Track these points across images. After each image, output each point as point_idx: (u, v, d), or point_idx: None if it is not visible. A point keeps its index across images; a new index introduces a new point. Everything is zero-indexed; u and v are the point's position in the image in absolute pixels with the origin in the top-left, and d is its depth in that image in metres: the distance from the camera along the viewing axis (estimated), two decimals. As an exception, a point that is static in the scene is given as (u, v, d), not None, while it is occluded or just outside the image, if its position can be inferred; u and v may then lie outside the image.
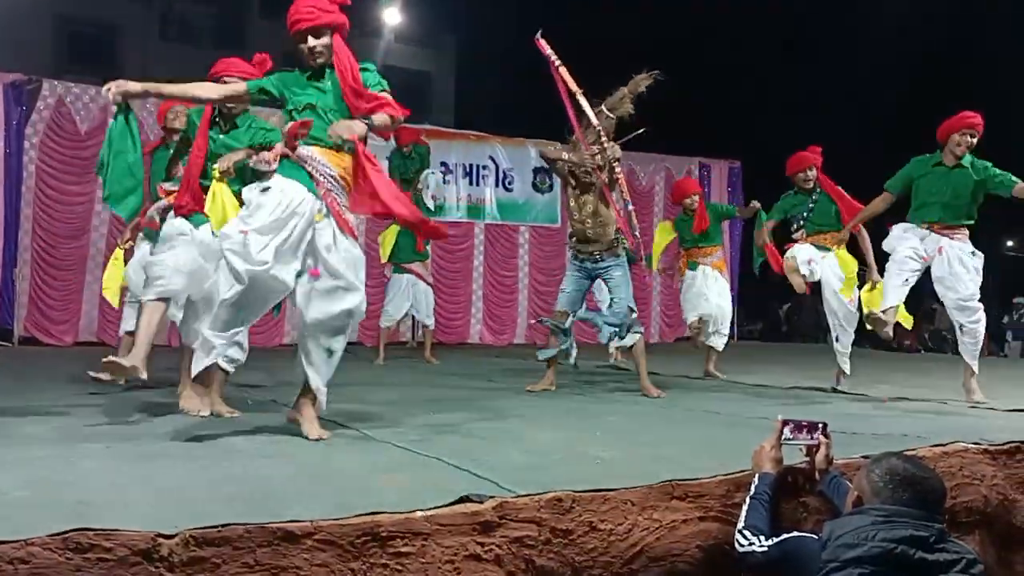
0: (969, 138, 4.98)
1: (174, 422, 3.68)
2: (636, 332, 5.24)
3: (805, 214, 5.89)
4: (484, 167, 11.42)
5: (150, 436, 3.33)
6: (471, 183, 11.31)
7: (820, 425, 2.83)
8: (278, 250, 3.24)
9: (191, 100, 3.71)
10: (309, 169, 3.32)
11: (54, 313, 9.32)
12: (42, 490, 2.31)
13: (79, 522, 1.88)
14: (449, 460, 2.87)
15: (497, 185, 11.44)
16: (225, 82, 3.91)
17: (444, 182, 10.85)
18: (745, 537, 2.45)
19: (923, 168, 5.14)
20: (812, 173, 5.90)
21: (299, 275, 3.37)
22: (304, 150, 3.34)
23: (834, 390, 5.72)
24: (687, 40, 19.22)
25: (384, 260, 8.03)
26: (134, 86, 3.42)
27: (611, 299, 5.41)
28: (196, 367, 3.40)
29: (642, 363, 5.35)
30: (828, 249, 5.72)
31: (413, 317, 8.77)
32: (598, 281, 5.60)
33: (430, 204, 8.31)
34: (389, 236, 7.87)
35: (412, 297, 8.02)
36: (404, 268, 7.94)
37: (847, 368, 5.76)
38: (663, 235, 7.27)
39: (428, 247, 8.28)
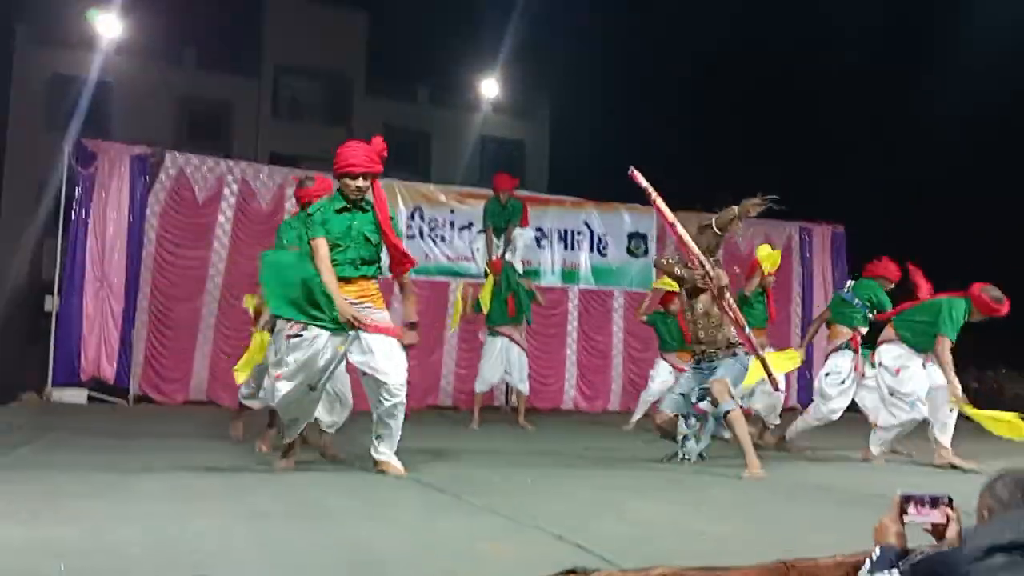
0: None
1: (282, 481, 3.75)
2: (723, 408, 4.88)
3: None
4: (579, 232, 11.46)
5: (259, 495, 3.40)
6: (566, 248, 11.35)
7: (945, 499, 2.62)
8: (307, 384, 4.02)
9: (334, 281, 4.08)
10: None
11: (167, 372, 9.72)
12: (160, 546, 2.37)
13: (195, 580, 1.92)
14: (551, 529, 2.81)
15: (592, 250, 11.44)
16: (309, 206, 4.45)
17: (539, 247, 10.95)
18: None
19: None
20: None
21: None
22: None
23: (952, 466, 5.39)
24: (783, 100, 19.06)
25: (484, 311, 8.13)
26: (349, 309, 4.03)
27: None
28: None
29: (741, 435, 4.86)
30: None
31: (506, 382, 8.78)
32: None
33: (519, 266, 8.38)
34: (485, 295, 7.96)
35: (506, 361, 8.02)
36: (498, 331, 7.99)
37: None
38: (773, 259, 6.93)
39: (527, 312, 8.29)
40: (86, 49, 17.70)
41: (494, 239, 8.28)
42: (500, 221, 8.34)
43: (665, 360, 8.10)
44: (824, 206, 13.06)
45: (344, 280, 4.05)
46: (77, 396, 9.25)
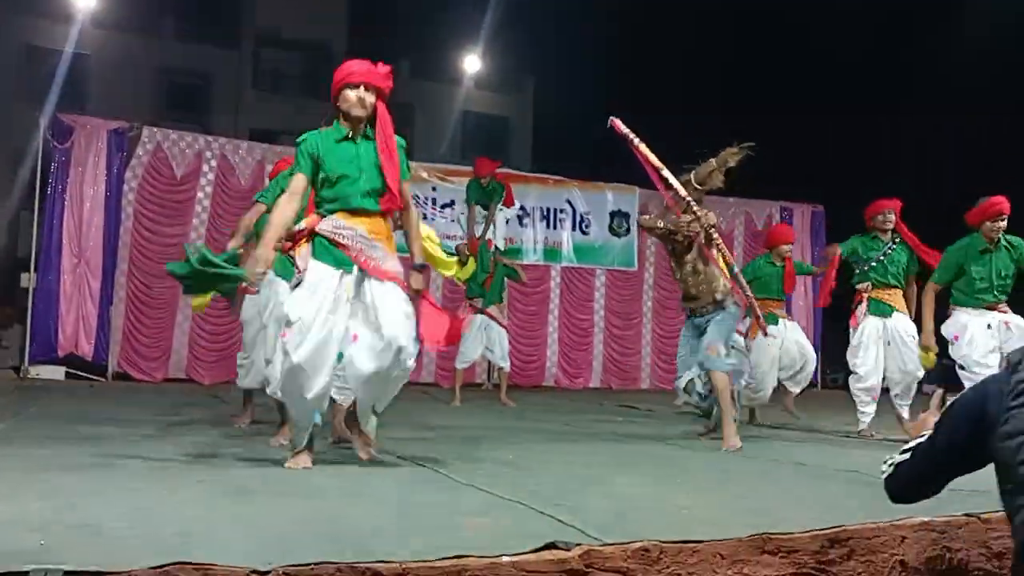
0: (1000, 223, 5.34)
1: (264, 458, 3.76)
2: (717, 368, 4.88)
3: (878, 259, 5.79)
4: (561, 210, 11.49)
5: (241, 471, 3.41)
6: (548, 226, 11.38)
7: None
8: (318, 343, 3.38)
9: (288, 225, 3.54)
10: (337, 239, 3.45)
11: (146, 350, 9.68)
12: (141, 523, 2.37)
13: (177, 555, 1.92)
14: (532, 504, 2.84)
15: (574, 228, 11.47)
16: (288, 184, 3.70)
17: (521, 225, 10.96)
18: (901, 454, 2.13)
19: (968, 254, 5.33)
20: (891, 216, 5.84)
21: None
22: (328, 221, 3.49)
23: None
24: (769, 81, 19.08)
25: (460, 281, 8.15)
26: (265, 257, 3.48)
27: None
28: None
29: (725, 404, 4.87)
30: (891, 309, 5.75)
31: (488, 359, 8.81)
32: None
33: (501, 244, 8.40)
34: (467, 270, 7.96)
35: (487, 339, 8.05)
36: (478, 309, 8.01)
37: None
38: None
39: (500, 292, 8.32)
40: (62, 20, 17.40)
41: (476, 217, 8.29)
42: (483, 198, 8.35)
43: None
44: (804, 186, 13.15)
45: (352, 211, 3.49)
46: (54, 372, 9.20)
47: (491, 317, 8.06)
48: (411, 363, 3.53)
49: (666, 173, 4.78)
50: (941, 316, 5.55)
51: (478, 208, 8.33)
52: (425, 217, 10.61)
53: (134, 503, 2.65)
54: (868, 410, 5.80)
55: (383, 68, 3.66)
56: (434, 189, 10.68)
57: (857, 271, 5.88)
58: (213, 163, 10.01)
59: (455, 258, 8.25)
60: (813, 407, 7.62)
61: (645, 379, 11.69)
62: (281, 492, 2.99)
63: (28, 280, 9.74)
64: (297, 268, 3.52)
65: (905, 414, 5.75)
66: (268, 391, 4.07)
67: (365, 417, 3.72)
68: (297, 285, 3.48)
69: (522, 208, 11.02)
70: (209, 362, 9.88)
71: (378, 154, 3.51)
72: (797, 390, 6.95)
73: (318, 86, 23.16)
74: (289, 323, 3.39)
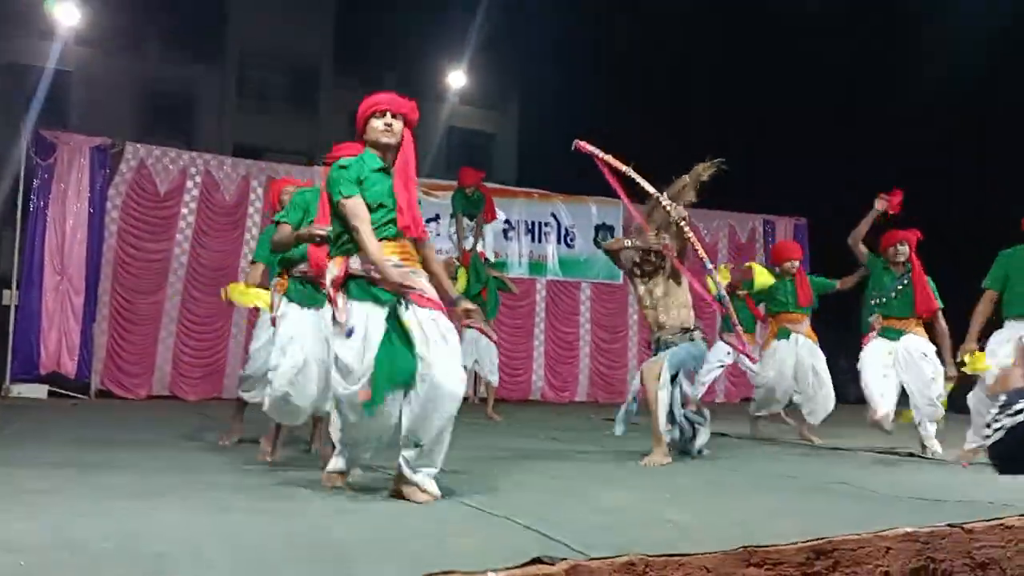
0: None
1: (248, 475, 3.73)
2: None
3: (889, 295, 5.60)
4: (546, 224, 11.53)
5: (226, 489, 3.38)
6: (533, 240, 11.40)
7: None
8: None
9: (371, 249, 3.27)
10: (372, 276, 3.27)
11: (130, 367, 9.60)
12: (123, 542, 2.35)
13: (160, 575, 1.91)
14: (517, 519, 2.83)
15: (559, 242, 11.51)
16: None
17: (507, 239, 10.99)
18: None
19: (1017, 261, 5.11)
20: (904, 248, 5.61)
21: None
22: (357, 259, 3.30)
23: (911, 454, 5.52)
24: (750, 94, 19.21)
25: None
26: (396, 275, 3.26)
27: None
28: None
29: (655, 420, 4.73)
30: (901, 332, 5.55)
31: (475, 373, 8.79)
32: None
33: (491, 256, 8.46)
34: (460, 282, 7.94)
35: (475, 352, 8.03)
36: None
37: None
38: (764, 278, 6.90)
39: (495, 306, 8.35)
40: (44, 38, 17.33)
41: (464, 228, 8.32)
42: (470, 210, 8.40)
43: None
44: (786, 200, 13.25)
45: (388, 239, 3.33)
46: (36, 391, 9.10)
47: (479, 330, 8.04)
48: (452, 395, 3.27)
49: (633, 173, 4.75)
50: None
51: (465, 219, 8.36)
52: (410, 232, 10.64)
53: (116, 523, 2.63)
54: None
55: (404, 99, 3.54)
56: (419, 204, 10.70)
57: (873, 302, 5.68)
58: (197, 179, 9.98)
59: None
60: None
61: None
62: (266, 510, 2.97)
63: (10, 297, 9.65)
64: (336, 316, 3.30)
65: (929, 442, 5.52)
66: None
67: (406, 442, 3.37)
68: (348, 334, 3.24)
69: (507, 222, 11.06)
70: (194, 379, 9.82)
71: (394, 179, 3.42)
72: (813, 421, 6.53)
73: (303, 102, 23.25)
74: (348, 374, 3.21)
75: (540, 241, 11.45)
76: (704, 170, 4.94)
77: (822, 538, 2.66)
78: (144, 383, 9.65)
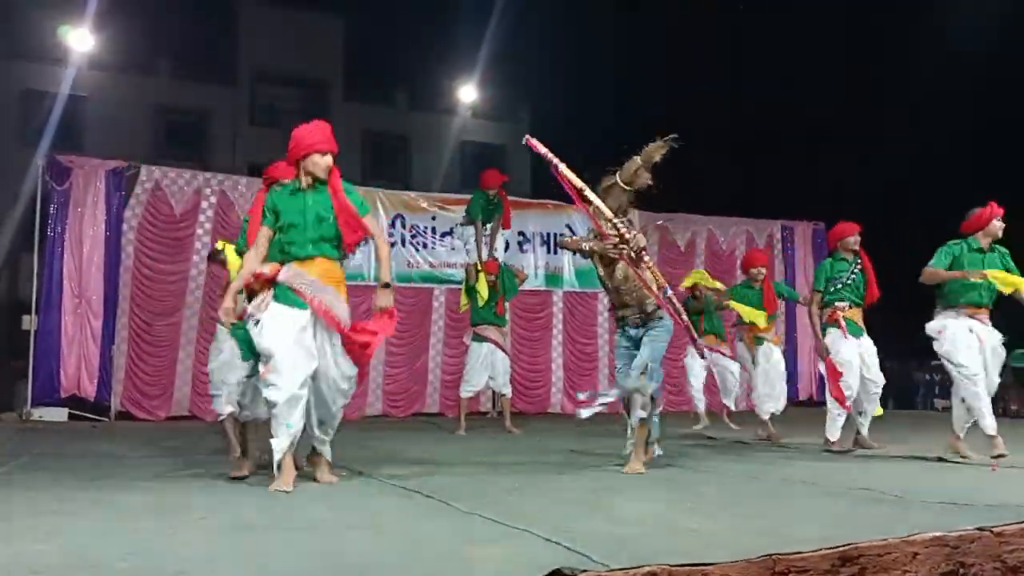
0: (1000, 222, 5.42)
1: (264, 493, 3.74)
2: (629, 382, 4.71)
3: (849, 280, 6.05)
4: (561, 235, 11.50)
5: (242, 507, 3.39)
6: (549, 251, 11.40)
7: None
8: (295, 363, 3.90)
9: (252, 272, 4.07)
10: (294, 285, 3.97)
11: (148, 388, 9.66)
12: (142, 561, 2.36)
13: (178, 593, 1.91)
14: (538, 532, 2.82)
15: (575, 253, 11.47)
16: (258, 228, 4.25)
17: (522, 251, 10.98)
18: None
19: (963, 251, 5.41)
20: (858, 238, 6.14)
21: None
22: (286, 271, 4.00)
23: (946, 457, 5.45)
24: (768, 98, 19.17)
25: (462, 310, 8.20)
26: (229, 303, 4.05)
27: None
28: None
29: (639, 435, 4.70)
30: (860, 330, 6.02)
31: (491, 387, 8.78)
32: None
33: (499, 255, 8.33)
34: (481, 287, 7.90)
35: (490, 368, 8.01)
36: (482, 336, 7.98)
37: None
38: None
39: (507, 315, 8.34)
40: (59, 63, 17.59)
41: (483, 234, 8.20)
42: (488, 216, 8.29)
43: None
44: (805, 204, 13.19)
45: (303, 259, 4.03)
46: (57, 414, 9.18)
47: (494, 343, 8.03)
48: (348, 396, 4.17)
49: (591, 196, 4.54)
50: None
51: (484, 224, 8.19)
52: (425, 247, 10.66)
53: (135, 543, 2.64)
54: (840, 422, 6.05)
55: (329, 128, 4.27)
56: (433, 219, 10.73)
57: (832, 289, 6.05)
58: (212, 199, 10.06)
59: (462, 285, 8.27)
60: (821, 425, 7.56)
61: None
62: (282, 526, 2.97)
63: (29, 322, 9.76)
64: (247, 304, 4.03)
65: (866, 432, 6.11)
66: (240, 416, 4.50)
67: (320, 442, 4.15)
68: (257, 323, 3.95)
69: (522, 234, 11.06)
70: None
71: (332, 204, 4.09)
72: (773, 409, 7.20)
73: (314, 119, 23.40)
74: (266, 360, 3.91)
75: (555, 252, 11.44)
76: (656, 150, 4.65)
77: (848, 544, 2.62)
78: (163, 404, 9.70)
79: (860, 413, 6.12)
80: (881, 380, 6.10)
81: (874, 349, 6.06)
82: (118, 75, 20.42)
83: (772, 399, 7.21)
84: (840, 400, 5.88)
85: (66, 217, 9.47)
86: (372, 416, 10.02)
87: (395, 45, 24.07)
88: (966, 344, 5.28)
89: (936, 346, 5.42)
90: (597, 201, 4.54)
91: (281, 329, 3.91)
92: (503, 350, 8.10)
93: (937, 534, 2.76)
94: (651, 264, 4.68)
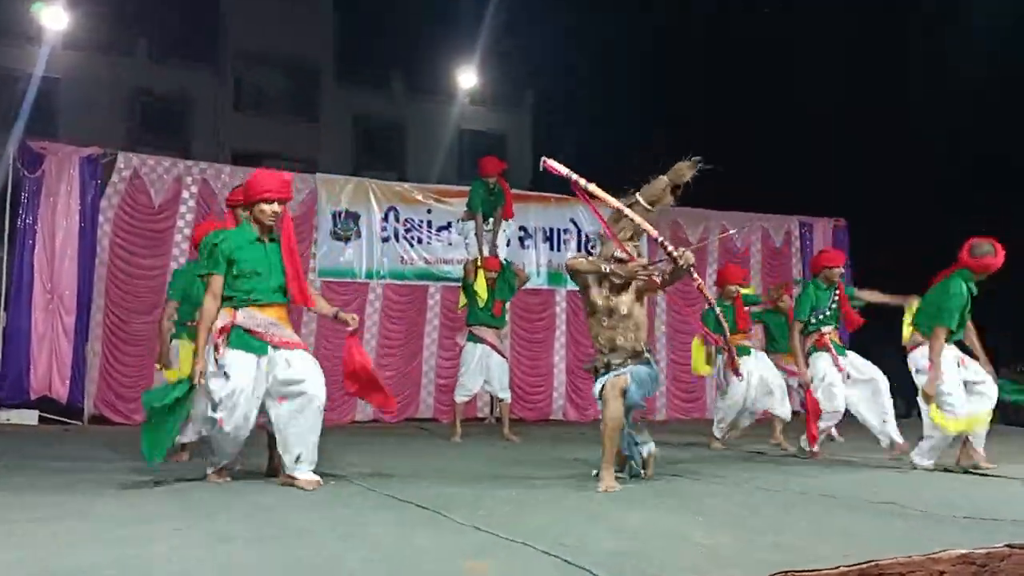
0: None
1: (244, 501, 3.75)
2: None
3: (831, 309, 6.46)
4: (565, 231, 11.48)
5: (221, 517, 3.39)
6: (552, 248, 11.35)
7: None
8: (245, 414, 4.36)
9: (213, 321, 4.44)
10: (251, 328, 4.40)
11: (124, 391, 9.64)
12: (117, 573, 2.36)
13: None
14: (536, 544, 2.83)
15: (580, 249, 11.44)
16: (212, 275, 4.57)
17: (523, 247, 10.97)
18: None
19: (965, 296, 5.61)
20: (843, 271, 6.56)
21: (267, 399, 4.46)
22: (242, 314, 4.41)
23: (965, 471, 5.47)
24: (786, 88, 19.16)
25: (460, 309, 8.18)
26: (203, 365, 4.37)
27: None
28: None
29: (610, 444, 4.59)
30: (843, 349, 6.51)
31: (489, 394, 8.77)
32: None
33: (502, 251, 8.33)
34: (480, 287, 7.88)
35: (486, 372, 8.00)
36: (478, 337, 7.98)
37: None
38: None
39: (506, 316, 8.33)
40: (31, 42, 17.59)
41: (485, 229, 8.17)
42: (489, 208, 8.25)
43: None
44: (824, 199, 13.18)
45: (262, 305, 4.47)
46: (27, 417, 9.17)
47: (493, 347, 8.03)
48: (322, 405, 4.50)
49: (631, 214, 4.45)
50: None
51: (484, 217, 8.13)
52: (420, 242, 10.65)
53: (111, 553, 2.64)
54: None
55: (287, 177, 4.65)
56: (429, 212, 10.72)
57: (814, 320, 6.46)
58: (193, 189, 10.05)
59: (462, 282, 8.25)
60: (845, 435, 7.60)
61: (661, 410, 11.62)
62: (264, 536, 2.98)
63: (-3, 318, 9.75)
64: (216, 357, 4.37)
65: (899, 438, 6.22)
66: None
67: (288, 454, 4.44)
68: (219, 373, 4.33)
69: (523, 229, 11.02)
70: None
71: (282, 257, 4.52)
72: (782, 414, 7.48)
73: (304, 105, 23.44)
74: (215, 406, 4.32)
75: (559, 249, 11.40)
76: (685, 170, 4.62)
77: (868, 561, 2.63)
78: (140, 408, 9.55)
79: (884, 421, 6.29)
80: (879, 374, 6.35)
81: (855, 355, 6.52)
82: (94, 56, 20.42)
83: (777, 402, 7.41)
84: (812, 440, 6.34)
85: (38, 207, 9.45)
86: (362, 421, 10.03)
87: (390, 26, 24.03)
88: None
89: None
90: (639, 220, 4.45)
91: (241, 377, 4.33)
92: (500, 353, 8.09)
93: (964, 551, 2.77)
94: (701, 282, 4.75)
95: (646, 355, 4.70)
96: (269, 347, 4.42)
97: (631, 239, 4.64)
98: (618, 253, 4.62)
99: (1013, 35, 15.14)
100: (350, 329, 4.75)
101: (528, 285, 9.33)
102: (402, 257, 10.51)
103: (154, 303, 9.81)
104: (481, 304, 7.91)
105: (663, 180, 4.66)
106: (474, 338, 7.99)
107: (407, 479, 4.67)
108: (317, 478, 4.39)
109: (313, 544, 2.86)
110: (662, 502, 4.04)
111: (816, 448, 6.35)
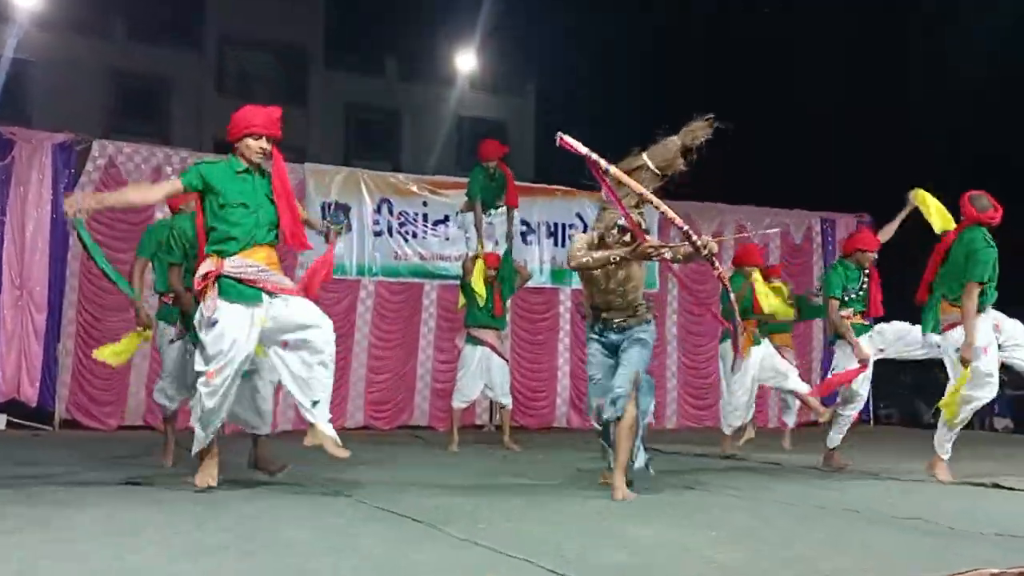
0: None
1: (230, 510, 3.76)
2: (620, 401, 4.56)
3: (860, 292, 6.60)
4: (571, 225, 11.45)
5: (207, 528, 3.41)
6: (556, 243, 11.34)
7: None
8: (236, 370, 4.38)
9: (130, 206, 4.52)
10: (242, 276, 4.36)
11: (98, 394, 9.65)
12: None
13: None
14: (540, 562, 2.84)
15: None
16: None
17: (525, 242, 10.94)
18: None
19: (993, 248, 5.71)
20: (876, 256, 6.64)
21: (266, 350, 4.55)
22: (230, 263, 4.37)
23: (995, 485, 5.48)
24: (800, 78, 19.20)
25: (458, 308, 8.20)
26: (89, 203, 4.70)
27: (617, 364, 4.72)
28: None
29: (622, 447, 4.57)
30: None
31: (489, 400, 8.76)
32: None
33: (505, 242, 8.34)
34: (478, 282, 7.87)
35: (486, 376, 8.00)
36: (477, 339, 7.98)
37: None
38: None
39: (507, 316, 8.32)
40: (1, 23, 17.60)
41: (484, 218, 8.13)
42: (490, 196, 8.22)
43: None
44: (847, 194, 13.19)
45: (253, 248, 4.42)
46: (-6, 422, 9.19)
47: (493, 349, 8.03)
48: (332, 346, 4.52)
49: (655, 200, 4.34)
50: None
51: (482, 206, 8.08)
52: (414, 236, 10.65)
53: (84, 568, 2.65)
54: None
55: (276, 113, 4.54)
56: (425, 204, 10.72)
57: (845, 299, 6.56)
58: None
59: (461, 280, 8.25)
60: (867, 445, 7.62)
61: (671, 417, 11.63)
62: (248, 548, 2.99)
63: (-37, 316, 9.76)
64: (204, 309, 4.35)
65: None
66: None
67: (305, 398, 4.48)
68: (211, 324, 4.31)
69: (525, 223, 10.99)
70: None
71: (273, 194, 4.47)
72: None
73: (291, 90, 23.42)
74: (209, 360, 4.32)
75: (563, 245, 11.37)
76: (698, 131, 4.53)
77: (890, 579, 2.65)
78: (115, 412, 9.71)
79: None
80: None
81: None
82: (69, 36, 20.40)
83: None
84: (827, 389, 6.87)
85: (6, 196, 9.46)
86: (352, 428, 10.02)
87: (383, 7, 24.03)
88: None
89: None
90: (664, 208, 4.32)
91: (235, 330, 4.31)
92: (501, 356, 8.09)
93: (994, 571, 2.78)
94: (722, 271, 4.75)
95: (644, 312, 4.70)
96: (263, 294, 4.39)
97: (636, 206, 4.56)
98: (621, 221, 4.57)
99: (1013, 35, 15.36)
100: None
101: (530, 283, 9.33)
102: (396, 253, 10.51)
103: (130, 300, 9.82)
104: (480, 303, 7.91)
105: (675, 142, 4.58)
106: (473, 340, 7.99)
107: (401, 490, 4.68)
108: (339, 443, 4.48)
109: (302, 558, 2.87)
110: (672, 516, 4.05)
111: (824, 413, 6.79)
